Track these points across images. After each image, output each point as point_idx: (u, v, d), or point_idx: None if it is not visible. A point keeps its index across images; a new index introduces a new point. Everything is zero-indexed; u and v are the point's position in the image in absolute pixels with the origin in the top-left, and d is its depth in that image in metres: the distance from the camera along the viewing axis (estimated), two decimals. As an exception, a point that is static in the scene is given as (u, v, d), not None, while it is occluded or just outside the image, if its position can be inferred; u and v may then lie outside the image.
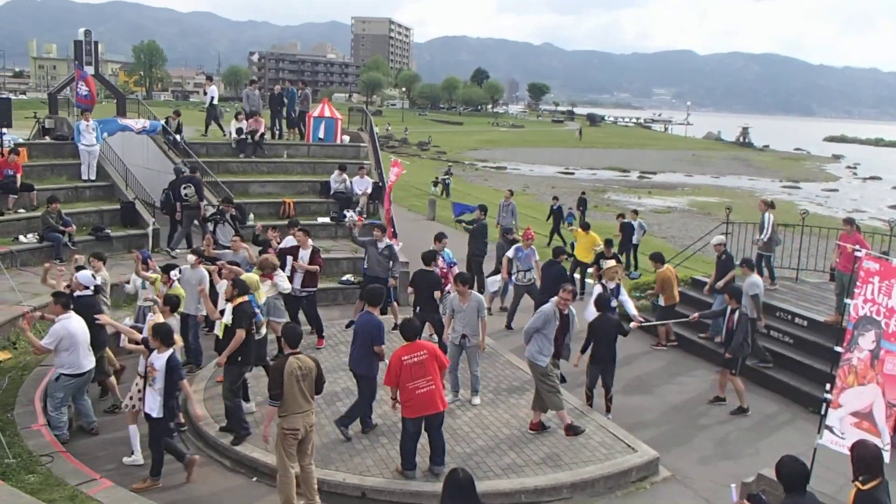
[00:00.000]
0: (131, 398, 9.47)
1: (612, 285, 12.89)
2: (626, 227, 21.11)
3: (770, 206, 15.62)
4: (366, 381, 10.10)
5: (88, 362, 9.70)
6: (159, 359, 8.62)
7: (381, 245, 14.30)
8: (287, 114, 25.39)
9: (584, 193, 29.47)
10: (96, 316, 9.98)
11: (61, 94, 25.30)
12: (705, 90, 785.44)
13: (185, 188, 18.26)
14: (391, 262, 14.34)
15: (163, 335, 8.65)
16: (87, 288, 10.49)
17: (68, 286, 10.68)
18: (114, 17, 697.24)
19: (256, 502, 8.79)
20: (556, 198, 27.08)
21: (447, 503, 5.70)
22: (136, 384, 9.46)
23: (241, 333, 9.58)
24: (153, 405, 8.62)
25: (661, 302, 14.95)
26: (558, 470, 9.39)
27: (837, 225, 15.30)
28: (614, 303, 12.55)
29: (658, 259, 15.08)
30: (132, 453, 9.43)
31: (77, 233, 17.18)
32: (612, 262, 14.00)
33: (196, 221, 18.12)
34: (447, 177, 41.60)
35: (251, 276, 11.36)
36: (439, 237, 14.33)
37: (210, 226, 16.35)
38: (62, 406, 9.63)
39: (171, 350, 8.70)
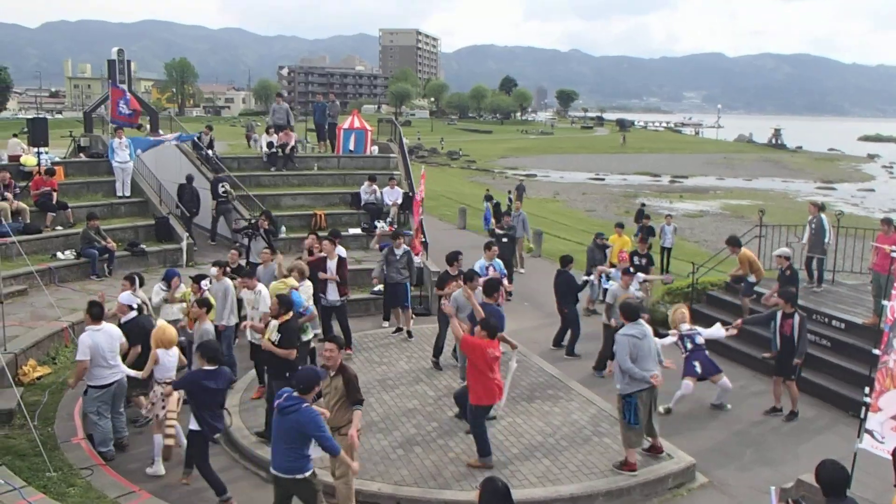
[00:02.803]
0: (153, 405, 9.59)
1: (685, 328, 12.17)
2: (647, 230, 20.95)
3: (822, 208, 15.48)
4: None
5: (114, 374, 9.66)
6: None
7: (398, 252, 14.61)
8: (315, 126, 25.86)
9: (643, 205, 28.78)
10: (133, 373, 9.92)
11: (96, 112, 25.75)
12: (736, 92, 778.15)
13: (221, 186, 20.06)
14: (409, 269, 14.72)
15: (209, 353, 8.59)
16: (131, 308, 10.58)
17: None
18: (146, 36, 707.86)
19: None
20: (516, 192, 26.93)
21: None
22: (154, 392, 9.60)
23: (291, 352, 9.73)
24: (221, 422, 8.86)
25: (753, 279, 14.78)
26: (594, 477, 9.34)
27: (874, 225, 15.08)
28: (699, 339, 12.04)
29: (735, 243, 15.05)
30: (153, 463, 9.57)
31: (111, 248, 17.46)
32: (676, 306, 12.99)
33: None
34: (510, 194, 35.82)
35: (287, 281, 11.54)
36: (488, 245, 14.39)
37: (245, 239, 16.48)
38: (100, 420, 9.69)
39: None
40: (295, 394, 7.15)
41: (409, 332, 14.92)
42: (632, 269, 16.02)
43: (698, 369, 11.71)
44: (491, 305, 11.03)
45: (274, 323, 9.85)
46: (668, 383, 11.79)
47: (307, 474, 7.26)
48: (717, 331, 12.33)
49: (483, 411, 9.60)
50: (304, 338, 11.21)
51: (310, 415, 7.05)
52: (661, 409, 11.40)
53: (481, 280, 12.27)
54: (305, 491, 7.33)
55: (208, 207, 21.02)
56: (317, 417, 7.11)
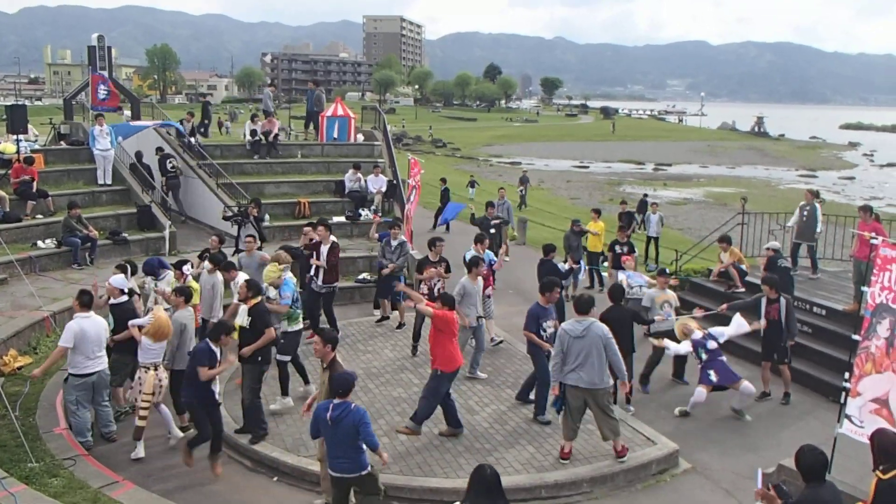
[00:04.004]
0: (132, 389, 9.61)
1: (698, 335, 11.50)
2: (626, 216, 20.98)
3: (816, 195, 15.67)
4: (534, 359, 10.83)
5: (95, 364, 9.57)
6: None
7: (393, 243, 14.56)
8: (307, 113, 26.20)
9: (646, 196, 28.20)
10: (130, 323, 9.97)
11: (76, 99, 25.50)
12: (719, 80, 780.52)
13: (170, 162, 21.03)
14: (399, 258, 14.60)
15: (228, 330, 9.24)
16: (122, 292, 10.52)
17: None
18: (127, 22, 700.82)
19: (277, 502, 8.84)
20: (443, 180, 27.25)
21: (473, 500, 5.72)
22: (139, 378, 9.60)
23: (270, 332, 9.73)
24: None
25: (745, 267, 15.20)
26: (578, 464, 9.38)
27: (856, 213, 15.19)
28: (712, 344, 11.38)
29: (726, 241, 15.27)
30: (169, 435, 9.80)
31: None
32: (682, 320, 12.02)
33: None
34: (522, 188, 35.54)
35: (269, 270, 11.51)
36: (480, 238, 14.25)
37: (234, 227, 16.39)
38: (78, 409, 9.59)
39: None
40: (337, 400, 7.29)
41: (401, 323, 14.86)
42: (617, 255, 16.28)
43: (713, 378, 11.19)
44: (536, 302, 10.82)
45: (243, 308, 9.83)
46: (677, 389, 11.93)
47: (370, 468, 7.45)
48: (740, 325, 11.60)
49: (448, 378, 9.84)
50: (295, 327, 11.14)
51: (360, 412, 7.28)
52: (676, 411, 11.42)
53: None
54: (370, 484, 7.54)
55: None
56: (366, 414, 7.35)
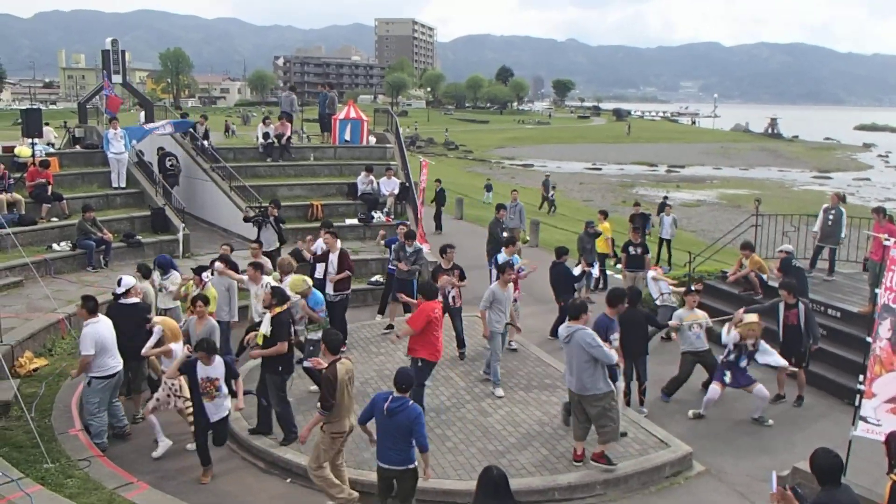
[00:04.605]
0: (169, 396, 9.63)
1: (749, 343, 11.10)
2: (640, 217, 20.84)
3: (843, 199, 15.61)
4: None
5: (116, 363, 9.71)
6: (214, 369, 8.92)
7: (409, 250, 14.40)
8: (319, 117, 26.33)
9: (665, 198, 27.93)
10: (144, 351, 10.05)
11: (90, 103, 25.67)
12: (732, 82, 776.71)
13: (169, 160, 21.27)
14: (414, 264, 14.40)
15: (209, 349, 8.93)
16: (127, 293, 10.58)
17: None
18: (140, 26, 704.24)
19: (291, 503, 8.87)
20: (438, 181, 27.05)
21: (481, 501, 5.73)
22: (167, 384, 9.63)
23: (282, 346, 9.67)
24: (219, 411, 9.08)
25: (764, 277, 14.91)
26: (591, 467, 9.36)
27: (870, 215, 15.11)
28: (742, 363, 11.15)
29: (749, 247, 15.05)
30: (157, 444, 9.75)
31: (107, 240, 17.42)
32: (753, 317, 11.20)
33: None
34: (552, 192, 35.37)
35: (296, 278, 11.51)
36: (512, 241, 14.20)
37: (255, 228, 16.38)
38: (100, 411, 9.68)
39: (216, 356, 9.02)
40: (397, 394, 7.49)
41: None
42: (631, 257, 16.22)
43: (727, 379, 11.14)
44: (610, 319, 10.17)
45: (267, 316, 9.80)
46: (691, 391, 11.91)
47: (416, 463, 7.66)
48: (780, 361, 11.40)
49: (430, 367, 10.51)
50: (316, 336, 11.11)
51: (416, 411, 7.54)
52: (690, 413, 11.34)
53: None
54: (411, 479, 7.74)
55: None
56: (421, 415, 7.62)
